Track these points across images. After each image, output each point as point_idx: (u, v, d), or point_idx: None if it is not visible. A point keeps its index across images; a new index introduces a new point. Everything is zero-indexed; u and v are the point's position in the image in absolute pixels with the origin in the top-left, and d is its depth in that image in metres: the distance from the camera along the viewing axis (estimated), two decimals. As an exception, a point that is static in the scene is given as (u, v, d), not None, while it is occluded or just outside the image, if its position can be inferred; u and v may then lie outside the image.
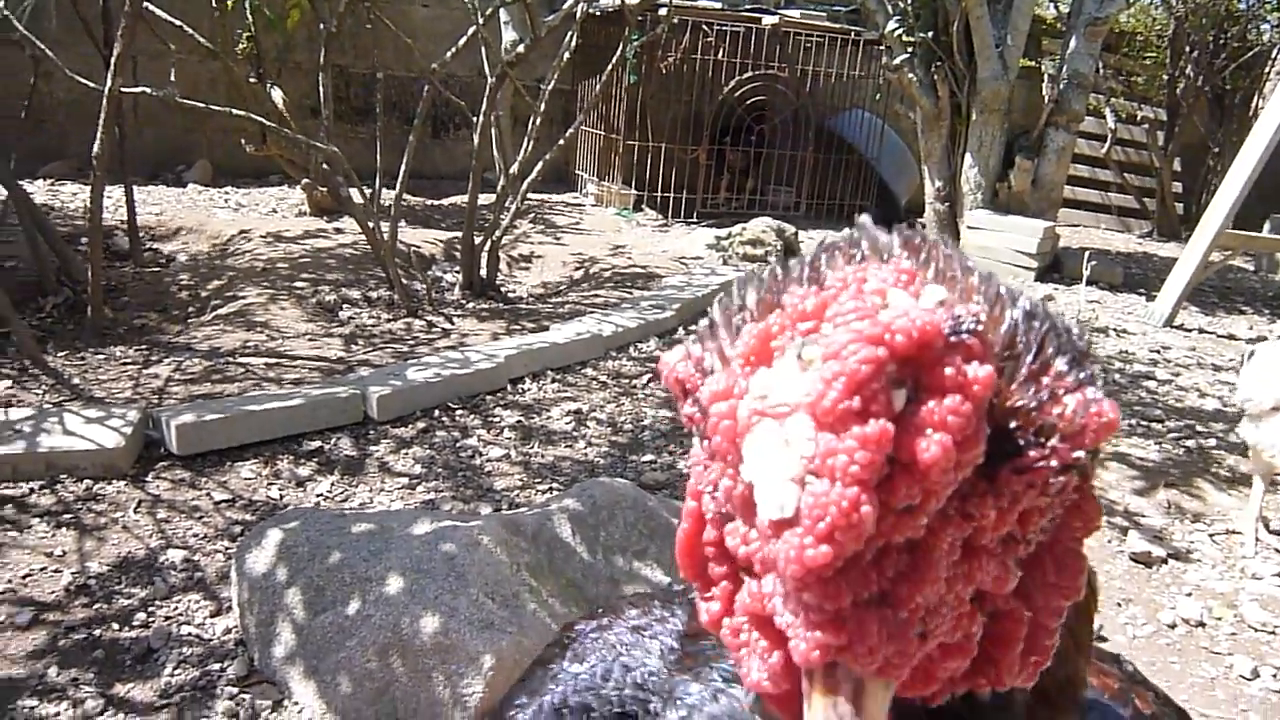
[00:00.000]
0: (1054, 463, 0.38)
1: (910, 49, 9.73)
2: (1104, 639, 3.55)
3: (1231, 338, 8.17)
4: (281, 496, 3.84)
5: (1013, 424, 0.38)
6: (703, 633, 0.74)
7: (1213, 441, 5.49)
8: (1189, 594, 3.89)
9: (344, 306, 6.32)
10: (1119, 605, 3.79)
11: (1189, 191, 13.78)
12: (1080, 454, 0.38)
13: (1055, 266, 9.88)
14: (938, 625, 0.38)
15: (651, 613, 0.82)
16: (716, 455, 0.39)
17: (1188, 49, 12.86)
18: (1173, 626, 3.66)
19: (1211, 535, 4.37)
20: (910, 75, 9.82)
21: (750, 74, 10.88)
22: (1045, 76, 11.08)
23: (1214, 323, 8.72)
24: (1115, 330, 7.91)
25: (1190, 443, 5.43)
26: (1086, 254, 9.07)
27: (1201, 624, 3.68)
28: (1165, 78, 13.25)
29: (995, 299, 0.40)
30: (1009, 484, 0.37)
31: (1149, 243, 13.05)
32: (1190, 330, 8.27)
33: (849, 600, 0.35)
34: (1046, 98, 10.38)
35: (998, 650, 0.43)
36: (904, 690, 0.40)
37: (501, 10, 8.03)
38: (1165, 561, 4.11)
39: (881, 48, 10.39)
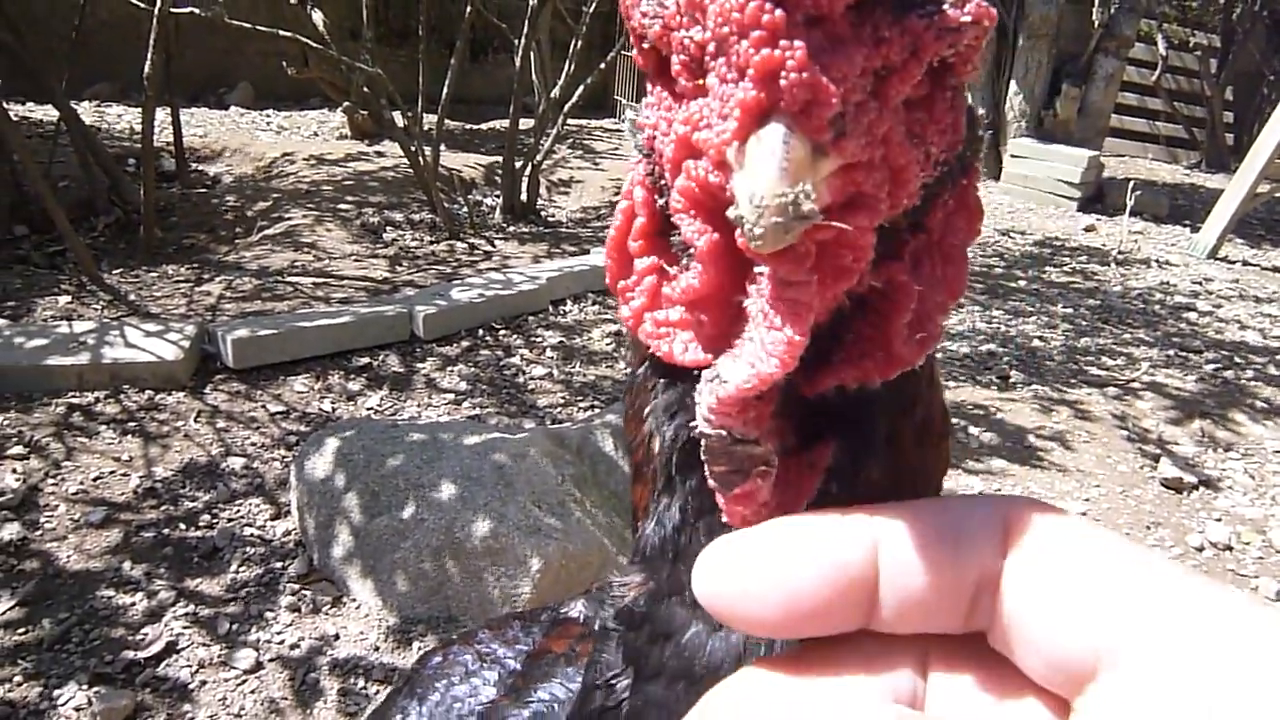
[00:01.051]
0: (950, 14, 0.42)
1: (957, -29, 9.51)
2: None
3: (1277, 270, 8.07)
4: (334, 409, 3.98)
5: None
6: (546, 650, 0.79)
7: (1250, 374, 5.49)
8: (1218, 519, 3.95)
9: (388, 228, 6.41)
10: (1148, 528, 3.86)
11: (1240, 121, 13.44)
12: (966, 20, 0.43)
13: (1098, 197, 9.75)
14: (856, 128, 0.41)
15: (504, 635, 0.85)
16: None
17: (1247, -28, 12.45)
18: (1200, 550, 3.74)
19: (1245, 464, 4.41)
20: (956, -2, 9.61)
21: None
22: (1095, 1, 10.78)
23: (1259, 255, 8.60)
24: (1158, 261, 7.84)
25: (1229, 374, 5.43)
26: (1131, 184, 8.93)
27: (1229, 548, 3.75)
28: (1221, 2, 12.84)
29: None
30: (912, 26, 0.42)
31: (1196, 173, 12.79)
32: (1234, 262, 8.17)
33: (788, 20, 0.39)
34: (1096, 23, 10.12)
35: (888, 318, 0.47)
36: (800, 270, 0.43)
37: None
38: (1196, 488, 4.17)
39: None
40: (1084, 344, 5.73)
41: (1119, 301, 6.63)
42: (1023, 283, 6.85)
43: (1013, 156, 9.85)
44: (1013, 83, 9.92)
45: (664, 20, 0.46)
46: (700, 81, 0.44)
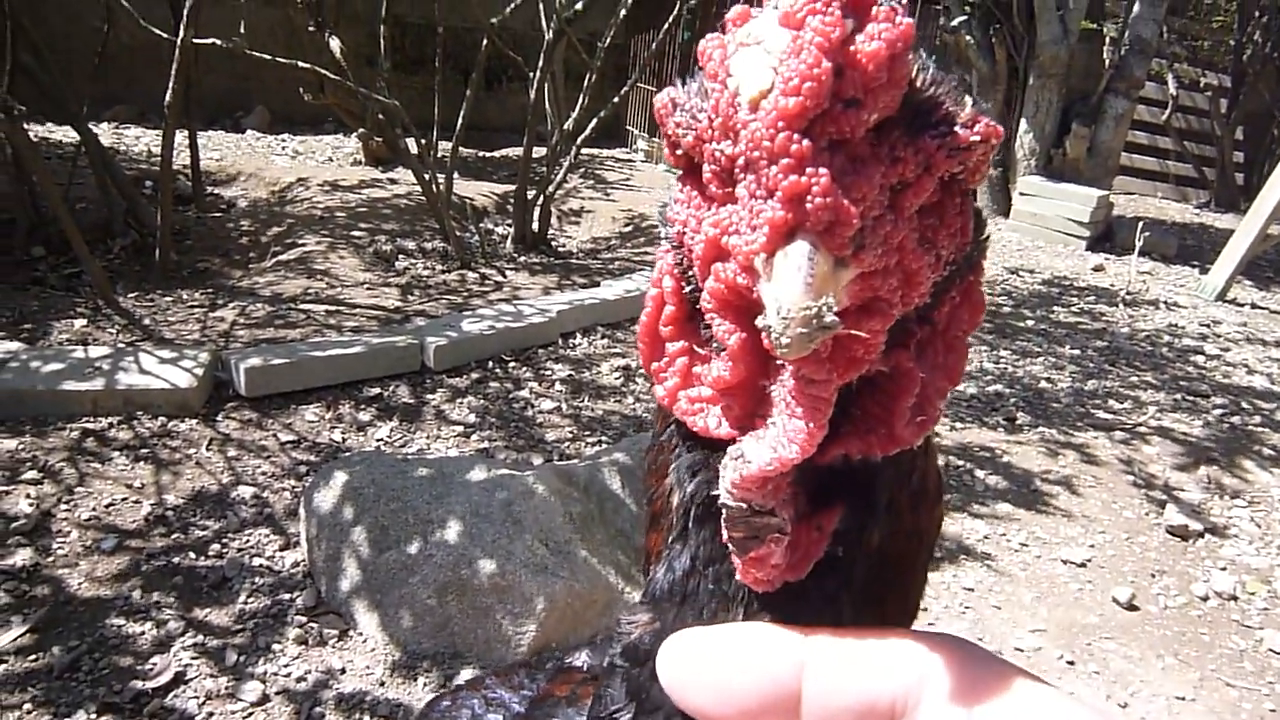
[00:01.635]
0: (960, 134, 0.48)
1: (969, 10, 9.60)
2: (1135, 607, 3.64)
3: (1285, 314, 8.08)
4: (344, 439, 4.01)
5: (927, 108, 0.48)
6: (551, 694, 0.82)
7: (1258, 419, 5.49)
8: (1223, 568, 3.95)
9: (400, 256, 6.47)
10: (1152, 576, 3.86)
11: (1250, 161, 13.49)
12: (975, 140, 0.48)
13: (1107, 236, 9.78)
14: (873, 240, 0.46)
15: (510, 681, 0.89)
16: (707, 94, 0.48)
17: (1257, 14, 12.51)
18: (1205, 599, 3.73)
19: (1251, 512, 4.41)
20: (968, 37, 9.69)
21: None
22: (1106, 40, 10.87)
23: (1268, 298, 8.62)
24: (1165, 303, 7.86)
25: (1235, 419, 5.44)
26: (1140, 224, 8.97)
27: (1234, 597, 3.75)
28: (1232, 43, 12.93)
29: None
30: (925, 146, 0.47)
31: (1206, 213, 12.83)
32: (1243, 305, 8.18)
33: (814, 149, 0.44)
34: (1107, 62, 10.20)
35: (893, 400, 0.52)
36: (821, 371, 0.48)
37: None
38: (1202, 535, 4.17)
39: (938, 8, 10.24)
40: (1091, 386, 5.75)
41: (1127, 343, 6.65)
42: (1030, 322, 6.88)
43: (1021, 195, 9.89)
44: (1023, 121, 9.99)
45: (697, 133, 0.50)
46: (730, 190, 0.48)
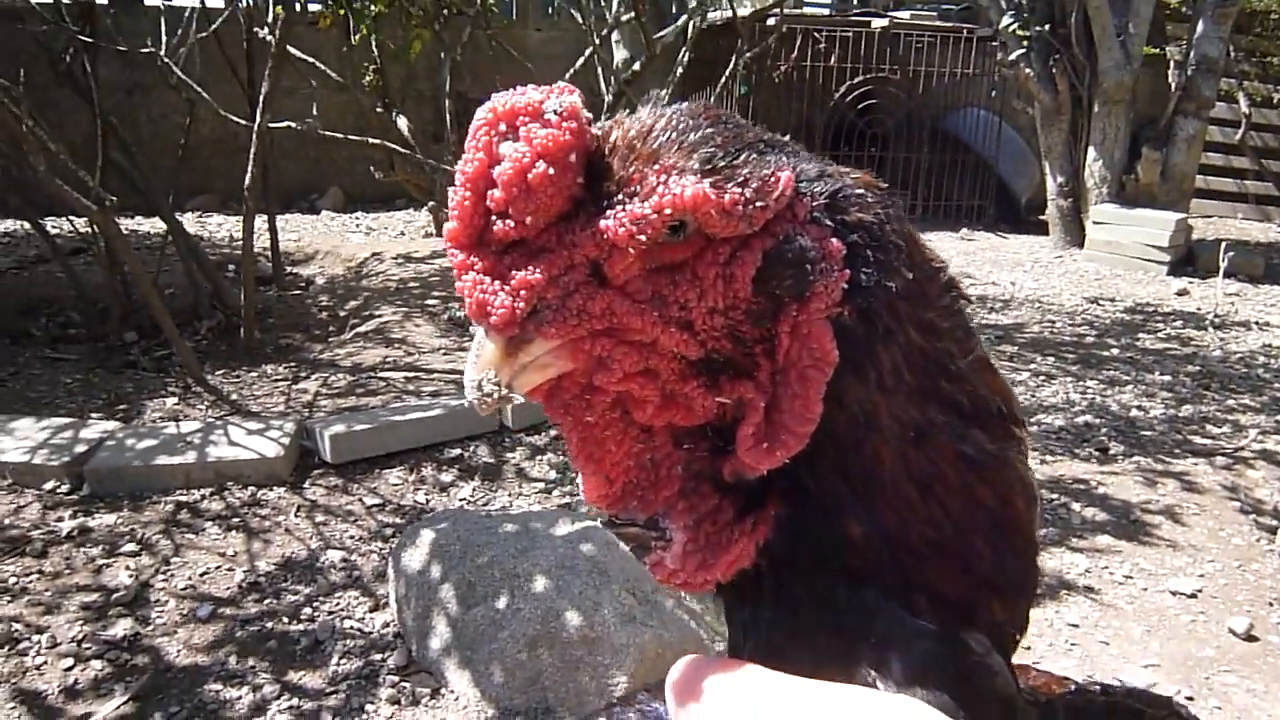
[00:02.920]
0: (638, 209, 0.53)
1: (1026, 43, 9.54)
2: (1254, 638, 3.45)
3: (1387, 328, 7.71)
4: (427, 500, 4.05)
5: (621, 187, 0.54)
6: None
7: (1369, 436, 5.22)
8: (1347, 593, 3.73)
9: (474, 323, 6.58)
10: (1270, 604, 3.66)
11: (1334, 176, 13.02)
12: (665, 213, 0.53)
13: (1189, 260, 9.50)
14: (563, 313, 0.54)
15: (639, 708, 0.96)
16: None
17: (1328, 26, 12.20)
18: (1331, 626, 3.52)
19: (1371, 533, 4.17)
20: (1027, 70, 9.62)
21: (861, 78, 10.83)
22: (1171, 63, 10.67)
23: (1367, 313, 8.25)
24: (1257, 324, 7.57)
25: (1344, 438, 5.18)
26: (1223, 245, 8.69)
27: (1362, 623, 3.53)
28: (1303, 57, 12.59)
29: (660, 119, 0.58)
30: (601, 228, 0.53)
31: (1291, 232, 12.40)
32: (1341, 321, 7.84)
33: (470, 258, 0.54)
34: (1173, 85, 10.00)
35: (739, 429, 0.57)
36: (556, 416, 0.59)
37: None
38: (1320, 560, 3.95)
39: (996, 44, 10.20)
40: (1186, 412, 5.53)
41: (1220, 366, 6.40)
42: (1115, 350, 6.68)
43: (1096, 224, 9.69)
44: (1090, 149, 9.82)
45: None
46: None
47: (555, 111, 0.54)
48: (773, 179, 0.55)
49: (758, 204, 0.54)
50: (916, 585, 0.58)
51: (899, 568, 0.58)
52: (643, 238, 0.53)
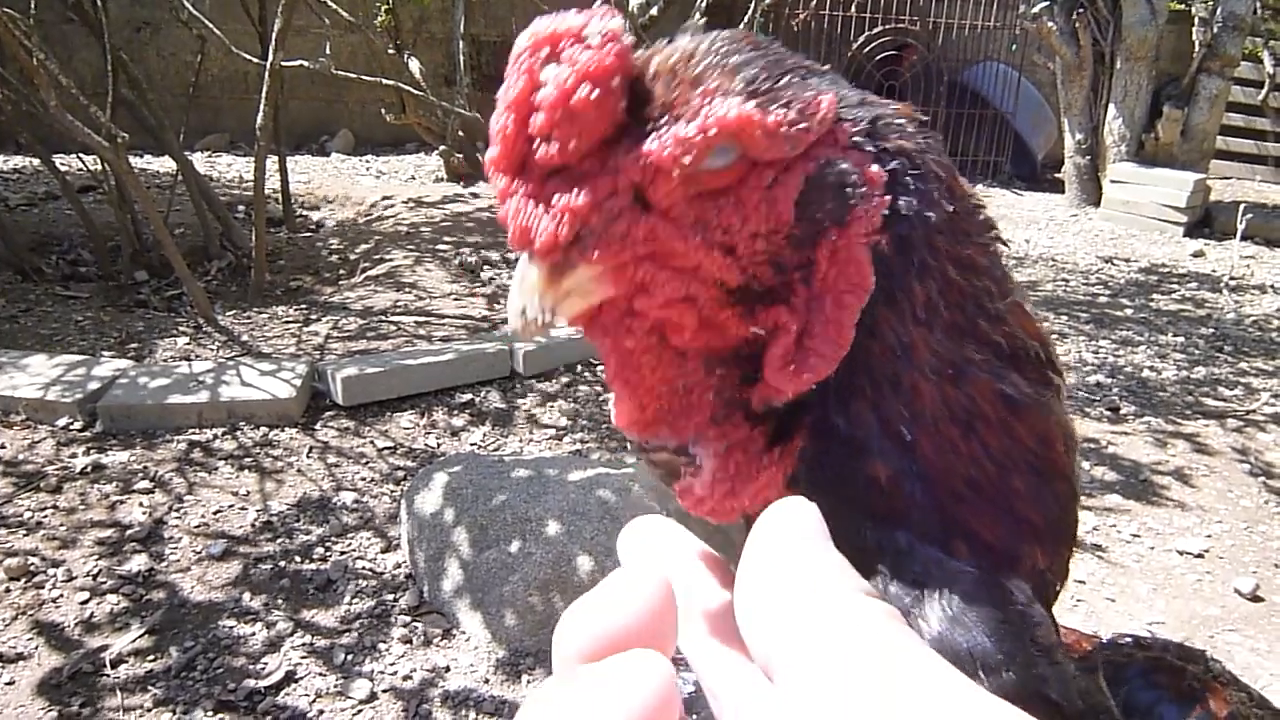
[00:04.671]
0: (682, 131, 0.52)
1: (1050, -4, 9.36)
2: (1260, 598, 3.46)
3: (1404, 294, 7.65)
4: (439, 445, 4.06)
5: (657, 113, 0.53)
6: None
7: (1383, 402, 5.20)
8: (1356, 556, 3.74)
9: (485, 267, 6.55)
10: (1276, 566, 3.68)
11: (1357, 139, 12.83)
12: (710, 134, 0.52)
13: (1206, 221, 9.40)
14: (607, 239, 0.53)
15: None
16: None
17: (1359, -15, 11.94)
18: (1338, 588, 3.54)
19: (1381, 497, 4.17)
20: (1050, 23, 9.44)
21: (880, 29, 10.65)
22: (1196, 20, 10.47)
23: (1384, 278, 8.18)
24: (1274, 287, 7.51)
25: (1358, 403, 5.16)
26: (1241, 207, 8.59)
27: (1369, 587, 3.54)
28: (1332, 17, 12.34)
29: (699, 48, 0.55)
30: (645, 153, 0.52)
31: (1310, 195, 12.25)
32: (1357, 286, 7.78)
33: (514, 182, 0.53)
34: (1198, 43, 9.81)
35: (767, 352, 0.57)
36: (596, 339, 0.58)
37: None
38: (1329, 523, 3.95)
39: (1018, -4, 10.01)
40: (1199, 374, 5.51)
41: (1234, 329, 6.37)
42: (1129, 311, 6.64)
43: (1113, 182, 9.58)
44: (1111, 106, 9.68)
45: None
46: None
47: (598, 34, 0.52)
48: (815, 102, 0.55)
49: (801, 125, 0.54)
50: (956, 529, 0.57)
51: (938, 510, 0.57)
52: (687, 159, 0.52)
